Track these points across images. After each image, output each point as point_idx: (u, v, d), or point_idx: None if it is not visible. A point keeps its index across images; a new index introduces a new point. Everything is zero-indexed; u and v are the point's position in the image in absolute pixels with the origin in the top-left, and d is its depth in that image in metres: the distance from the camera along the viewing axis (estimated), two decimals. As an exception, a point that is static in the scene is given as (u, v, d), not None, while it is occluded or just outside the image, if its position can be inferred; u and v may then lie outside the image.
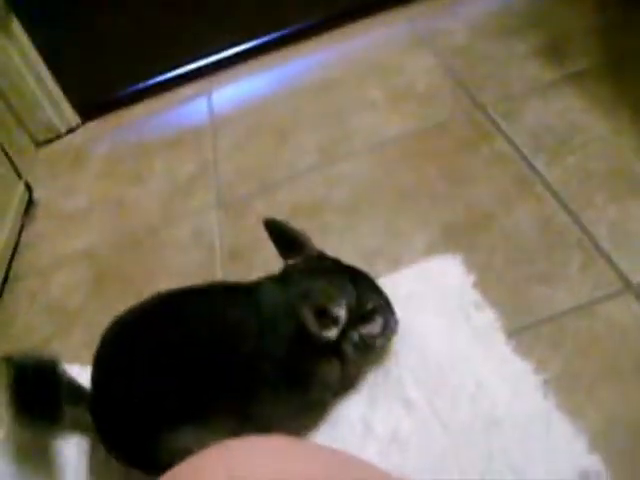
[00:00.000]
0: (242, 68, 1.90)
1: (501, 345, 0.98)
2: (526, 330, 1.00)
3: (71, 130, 1.94)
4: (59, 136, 1.92)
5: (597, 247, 1.08)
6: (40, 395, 0.96)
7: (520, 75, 1.51)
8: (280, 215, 1.29)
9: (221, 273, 1.29)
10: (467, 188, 1.27)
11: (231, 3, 1.83)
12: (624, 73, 1.40)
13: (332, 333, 0.90)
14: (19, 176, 1.65)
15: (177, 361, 0.89)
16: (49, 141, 1.92)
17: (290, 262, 1.00)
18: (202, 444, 0.71)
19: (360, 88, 1.65)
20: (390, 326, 0.98)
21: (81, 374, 1.18)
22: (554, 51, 1.54)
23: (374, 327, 0.95)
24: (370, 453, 0.90)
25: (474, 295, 1.06)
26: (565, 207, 1.16)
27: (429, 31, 1.76)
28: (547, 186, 1.21)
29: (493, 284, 1.08)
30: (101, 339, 0.97)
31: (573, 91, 1.40)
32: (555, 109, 1.38)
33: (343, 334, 0.91)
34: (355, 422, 0.95)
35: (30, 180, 1.69)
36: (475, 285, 1.08)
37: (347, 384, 0.99)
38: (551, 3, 1.71)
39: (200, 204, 1.47)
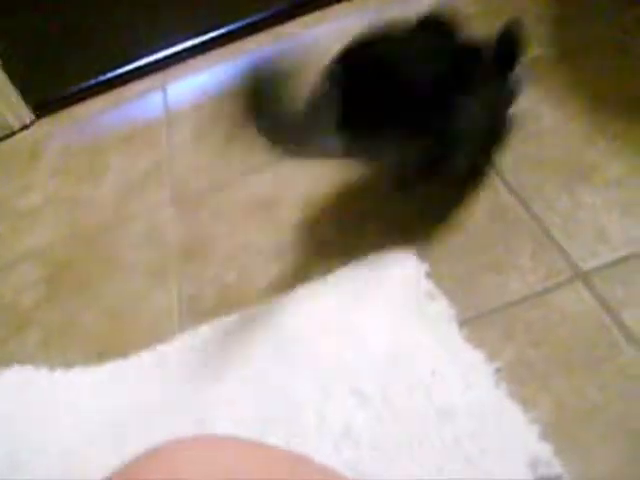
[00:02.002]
0: (197, 61, 1.88)
1: (454, 335, 0.99)
2: (478, 319, 1.01)
3: (25, 127, 1.91)
4: (13, 133, 1.89)
5: (548, 235, 1.09)
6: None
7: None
8: (235, 211, 1.30)
9: (176, 269, 1.28)
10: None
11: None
12: (577, 62, 1.40)
13: None
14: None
15: None
16: (2, 138, 1.89)
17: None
18: None
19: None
20: None
21: (36, 375, 1.17)
22: (508, 40, 1.54)
23: None
24: (324, 449, 0.90)
25: (427, 285, 1.06)
26: (517, 196, 1.17)
27: (383, 22, 1.75)
28: (500, 175, 1.22)
29: (446, 274, 1.09)
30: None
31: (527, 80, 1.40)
32: (508, 98, 1.38)
33: None
34: (310, 417, 0.95)
35: (-17, 179, 1.66)
36: (428, 275, 1.08)
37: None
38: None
39: (154, 200, 1.46)
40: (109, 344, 1.19)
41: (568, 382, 0.90)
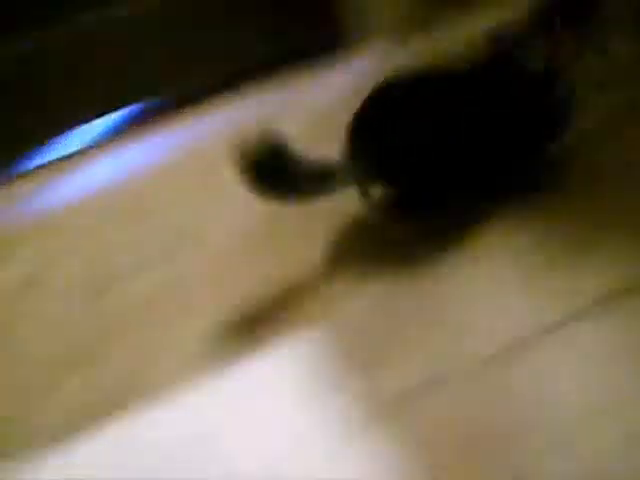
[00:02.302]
0: (88, 153, 1.76)
1: (356, 433, 0.97)
2: (382, 409, 0.99)
3: None
4: None
5: (453, 314, 1.09)
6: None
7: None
8: (134, 306, 1.25)
9: (81, 362, 1.22)
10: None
11: (75, 86, 1.74)
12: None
13: None
14: None
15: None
16: None
17: None
18: None
19: (216, 172, 1.48)
20: None
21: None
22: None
23: None
24: None
25: (328, 379, 1.05)
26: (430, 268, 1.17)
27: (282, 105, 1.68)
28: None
29: (355, 355, 1.08)
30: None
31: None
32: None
33: None
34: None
35: None
36: (328, 367, 1.07)
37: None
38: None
39: (55, 292, 1.40)
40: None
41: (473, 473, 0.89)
